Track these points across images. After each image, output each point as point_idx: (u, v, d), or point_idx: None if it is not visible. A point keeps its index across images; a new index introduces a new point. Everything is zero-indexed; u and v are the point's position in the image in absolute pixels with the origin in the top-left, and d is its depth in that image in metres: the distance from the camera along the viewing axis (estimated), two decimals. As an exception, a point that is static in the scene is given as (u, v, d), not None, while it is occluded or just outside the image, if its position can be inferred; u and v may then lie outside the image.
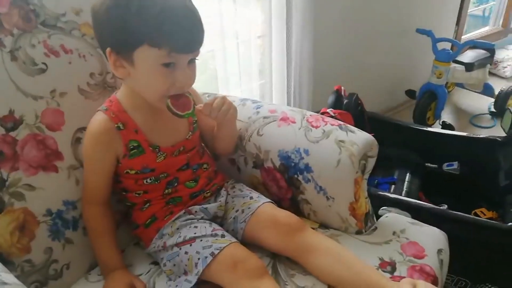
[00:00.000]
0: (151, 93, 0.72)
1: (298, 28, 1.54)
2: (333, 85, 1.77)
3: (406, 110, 2.35)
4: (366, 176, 0.87)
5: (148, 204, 0.81)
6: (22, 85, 0.75)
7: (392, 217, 0.90)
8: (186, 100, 0.74)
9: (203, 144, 0.92)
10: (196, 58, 0.73)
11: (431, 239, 0.82)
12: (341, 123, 0.88)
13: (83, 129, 0.81)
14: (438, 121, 2.13)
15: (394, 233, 0.84)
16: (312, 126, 0.87)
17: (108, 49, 0.70)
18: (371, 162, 0.86)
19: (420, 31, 2.03)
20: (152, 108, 0.77)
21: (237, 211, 0.83)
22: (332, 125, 0.87)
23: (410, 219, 0.89)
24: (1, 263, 0.63)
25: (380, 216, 0.93)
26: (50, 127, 0.78)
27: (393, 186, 1.37)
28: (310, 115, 0.91)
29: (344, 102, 1.35)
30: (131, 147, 0.75)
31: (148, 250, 0.81)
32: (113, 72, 0.73)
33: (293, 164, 0.87)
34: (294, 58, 1.59)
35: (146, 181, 0.79)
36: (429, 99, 2.04)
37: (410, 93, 2.22)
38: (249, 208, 0.82)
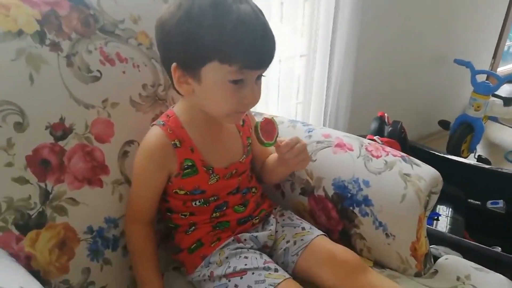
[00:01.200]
0: (217, 110, 0.68)
1: (342, 51, 1.51)
2: (368, 109, 1.74)
3: (438, 140, 2.28)
4: (428, 213, 0.80)
5: (193, 227, 0.75)
6: (75, 92, 0.70)
7: (452, 260, 0.83)
8: (272, 128, 0.71)
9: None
10: (263, 74, 0.68)
11: (501, 290, 0.75)
12: (403, 154, 0.83)
13: (131, 142, 0.77)
14: (473, 154, 2.06)
15: (458, 278, 0.77)
16: (372, 155, 0.82)
17: (174, 65, 0.65)
18: (434, 199, 0.80)
19: (458, 61, 1.98)
20: (210, 126, 0.72)
21: (287, 242, 0.77)
22: (394, 156, 0.81)
23: (473, 264, 0.81)
24: (39, 283, 0.57)
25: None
26: (99, 138, 0.73)
27: (436, 222, 1.29)
28: (369, 143, 0.85)
29: (388, 129, 1.29)
30: (185, 166, 0.70)
31: (191, 278, 0.74)
32: (176, 89, 0.68)
33: (349, 195, 0.81)
34: (334, 80, 1.55)
35: (195, 203, 0.74)
36: (465, 131, 1.98)
37: (443, 123, 2.15)
38: (302, 240, 0.76)
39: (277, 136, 0.72)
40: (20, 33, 0.65)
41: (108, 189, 0.75)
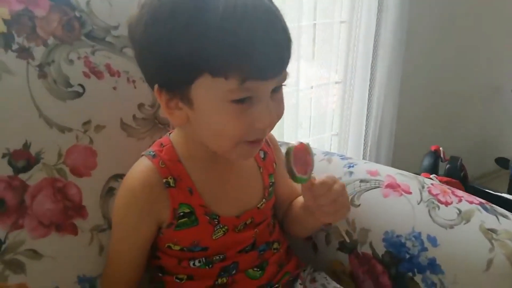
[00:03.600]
0: (219, 141, 0.49)
1: (383, 78, 1.33)
2: (414, 144, 1.52)
3: (494, 180, 2.00)
4: (522, 286, 0.57)
5: None
6: (47, 111, 0.55)
7: None
8: (307, 159, 0.51)
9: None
10: (283, 83, 0.49)
11: None
12: (482, 200, 0.61)
13: (119, 176, 0.60)
14: (542, 199, 1.75)
15: None
16: (440, 201, 0.60)
17: (155, 87, 0.48)
18: (529, 265, 0.56)
19: (518, 91, 1.73)
20: (217, 160, 0.54)
21: None
22: (470, 202, 0.59)
23: None
24: None
25: None
26: (76, 170, 0.57)
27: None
28: (432, 184, 0.64)
29: (446, 167, 1.06)
30: (181, 214, 0.52)
31: None
32: (168, 117, 0.51)
33: (408, 256, 0.59)
34: (376, 109, 1.36)
35: (194, 264, 0.55)
36: (530, 171, 1.69)
37: (501, 161, 1.87)
38: (340, 319, 0.54)
39: (311, 171, 0.52)
40: (-22, 34, 0.51)
41: (84, 237, 0.57)
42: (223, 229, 0.54)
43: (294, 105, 1.21)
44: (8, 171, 0.52)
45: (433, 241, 0.57)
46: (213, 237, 0.53)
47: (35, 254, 0.53)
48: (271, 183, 0.60)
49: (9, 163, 0.52)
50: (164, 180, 0.51)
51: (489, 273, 0.53)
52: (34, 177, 0.54)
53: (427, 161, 1.08)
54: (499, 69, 1.88)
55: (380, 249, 0.62)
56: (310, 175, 0.51)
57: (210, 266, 0.55)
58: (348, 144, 1.36)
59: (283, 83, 0.48)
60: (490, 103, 1.91)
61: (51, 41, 0.57)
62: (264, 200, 0.58)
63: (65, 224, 0.55)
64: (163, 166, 0.52)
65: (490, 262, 0.53)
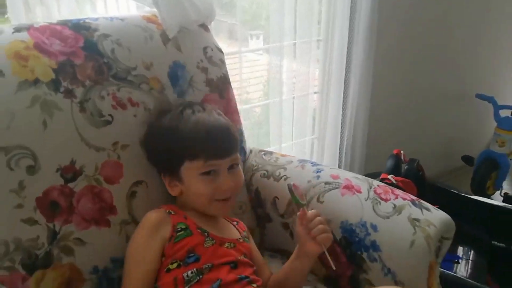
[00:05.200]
0: (199, 201, 0.75)
1: (356, 87, 1.52)
2: (386, 146, 1.71)
3: (461, 176, 2.20)
4: (440, 259, 0.77)
5: None
6: (87, 136, 0.73)
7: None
8: (301, 194, 0.79)
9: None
10: (237, 163, 0.77)
11: None
12: (414, 197, 0.81)
13: (139, 182, 0.79)
14: (499, 192, 1.97)
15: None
16: (381, 198, 0.80)
17: (162, 174, 0.78)
18: (447, 245, 0.76)
19: (480, 96, 1.94)
20: (204, 216, 0.78)
21: None
22: (403, 199, 0.79)
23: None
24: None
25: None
26: (108, 179, 0.75)
27: (456, 265, 1.23)
28: (378, 185, 0.84)
29: (405, 168, 1.26)
30: (179, 229, 0.71)
31: None
32: (170, 193, 0.78)
33: (357, 239, 0.79)
34: (349, 116, 1.55)
35: (187, 275, 0.67)
36: (489, 168, 1.90)
37: (467, 159, 2.08)
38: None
39: (305, 200, 0.81)
40: (36, 81, 0.69)
41: (115, 229, 0.76)
42: (212, 241, 0.72)
43: (278, 113, 1.41)
44: (61, 181, 0.70)
45: (374, 228, 0.77)
46: (205, 245, 0.71)
47: (80, 241, 0.71)
48: (245, 235, 0.82)
49: (61, 176, 0.70)
50: (167, 211, 0.73)
51: (412, 250, 0.73)
52: (79, 185, 0.72)
53: (389, 163, 1.28)
54: (464, 75, 2.08)
55: (338, 235, 0.82)
56: (305, 203, 0.80)
57: (200, 277, 0.67)
58: (324, 146, 1.56)
59: (237, 163, 0.77)
60: (457, 107, 2.11)
61: (87, 83, 0.75)
62: (241, 238, 0.79)
63: (102, 219, 0.74)
64: (166, 207, 0.75)
65: (413, 242, 0.73)
